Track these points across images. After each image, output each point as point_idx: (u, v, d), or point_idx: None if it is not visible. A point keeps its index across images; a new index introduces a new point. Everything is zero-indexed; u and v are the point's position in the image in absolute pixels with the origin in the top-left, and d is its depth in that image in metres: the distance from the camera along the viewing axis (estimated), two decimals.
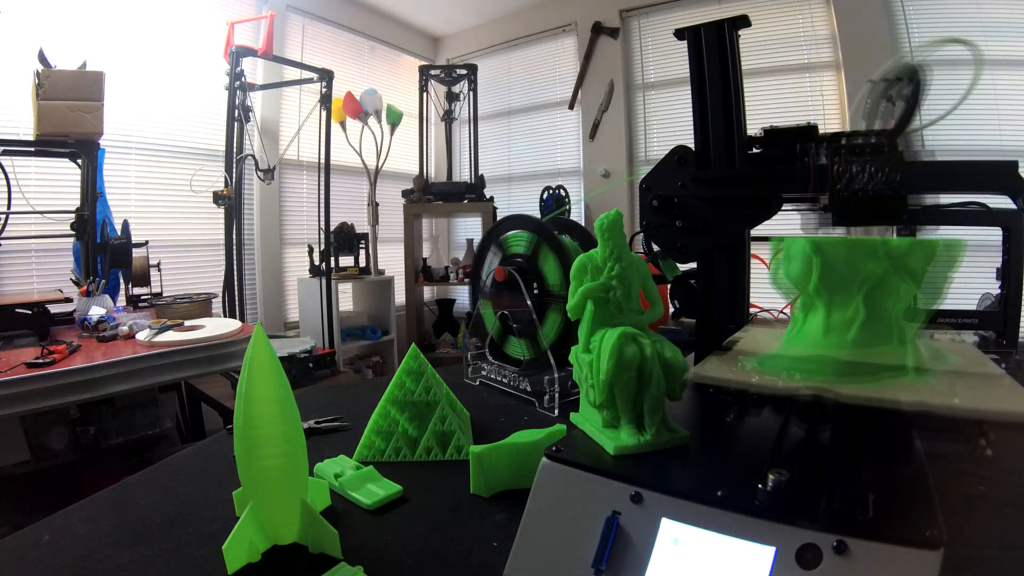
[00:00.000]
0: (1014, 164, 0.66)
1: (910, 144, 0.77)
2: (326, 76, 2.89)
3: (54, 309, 1.86)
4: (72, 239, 2.04)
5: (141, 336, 1.62)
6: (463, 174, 3.99)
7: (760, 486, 0.39)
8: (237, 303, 2.70)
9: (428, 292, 4.03)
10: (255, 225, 3.24)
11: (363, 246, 3.34)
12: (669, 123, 3.53)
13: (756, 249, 0.85)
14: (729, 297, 0.81)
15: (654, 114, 3.60)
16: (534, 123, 4.11)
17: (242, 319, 2.72)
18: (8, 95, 2.19)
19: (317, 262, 3.07)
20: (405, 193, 3.54)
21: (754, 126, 0.79)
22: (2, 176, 1.89)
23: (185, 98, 2.85)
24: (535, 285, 1.02)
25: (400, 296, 3.61)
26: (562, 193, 3.54)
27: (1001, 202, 0.77)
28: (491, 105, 4.15)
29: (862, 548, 0.34)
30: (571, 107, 3.86)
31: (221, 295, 2.65)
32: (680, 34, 0.83)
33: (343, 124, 3.23)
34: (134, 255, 2.13)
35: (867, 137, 0.70)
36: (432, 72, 3.70)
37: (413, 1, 3.88)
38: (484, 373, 1.13)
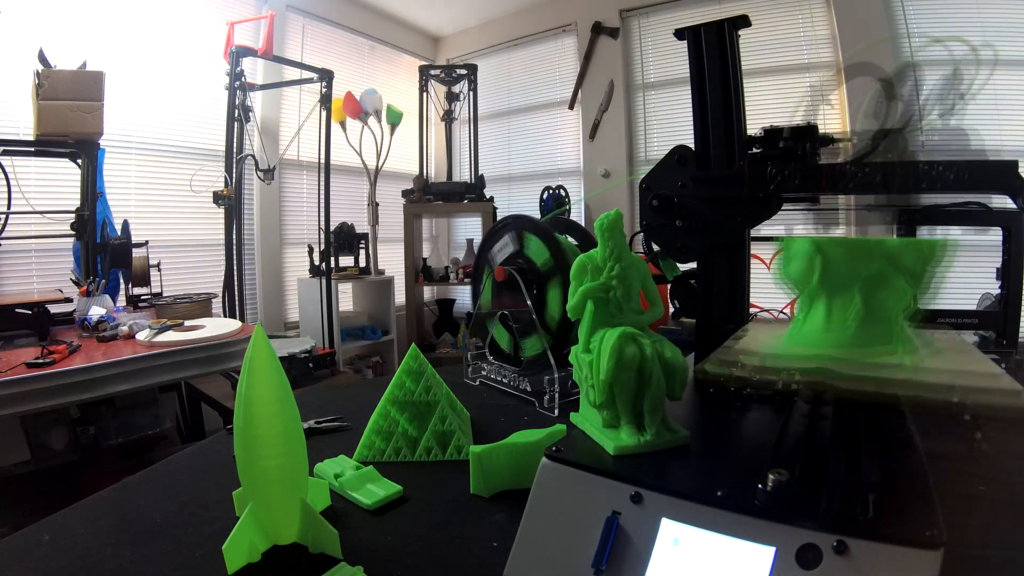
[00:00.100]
0: (1014, 164, 0.66)
1: (910, 144, 0.77)
2: (326, 76, 2.89)
3: (54, 309, 1.86)
4: (72, 239, 2.04)
5: (141, 336, 1.62)
6: (463, 174, 3.99)
7: (760, 486, 0.39)
8: (237, 303, 2.70)
9: (428, 292, 4.03)
10: (255, 225, 3.24)
11: (363, 246, 3.34)
12: (669, 123, 3.53)
13: (756, 249, 0.85)
14: (729, 297, 0.81)
15: (654, 114, 3.60)
16: (534, 123, 4.11)
17: (242, 319, 2.72)
18: (8, 95, 2.19)
19: (317, 262, 3.07)
20: (405, 193, 3.54)
21: (754, 126, 0.79)
22: (2, 176, 1.89)
23: (185, 98, 2.85)
24: (535, 285, 1.03)
25: (400, 296, 3.61)
26: (562, 193, 3.54)
27: (1001, 202, 0.77)
28: (491, 105, 4.15)
29: (862, 548, 0.34)
30: (571, 107, 3.86)
31: (221, 295, 2.64)
32: (680, 34, 0.83)
33: (343, 124, 3.23)
34: (134, 255, 2.13)
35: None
36: (432, 72, 3.70)
37: (413, 1, 3.88)
38: (484, 373, 1.13)
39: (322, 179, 2.96)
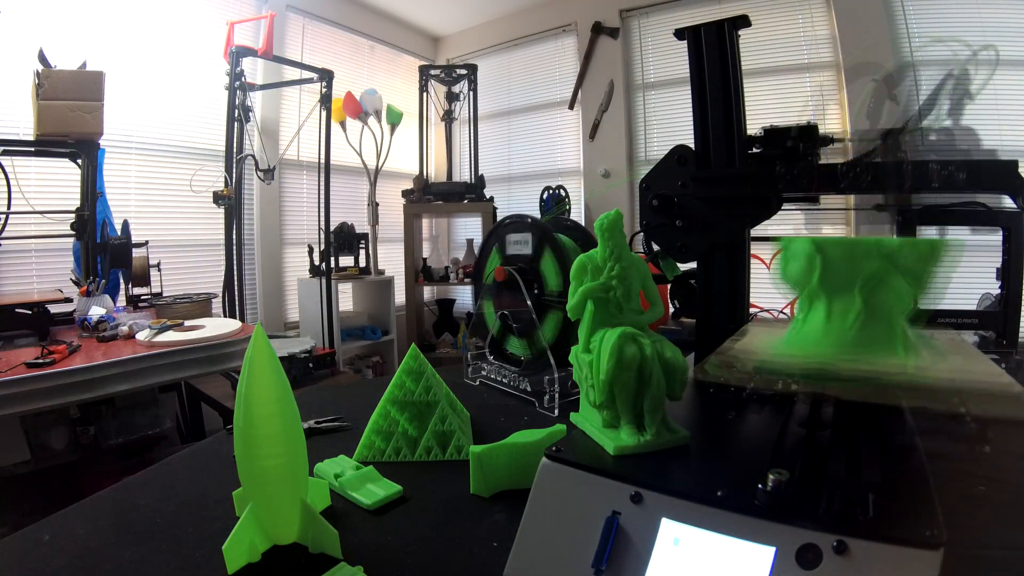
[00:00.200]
0: (1014, 164, 0.66)
1: (910, 144, 0.77)
2: (326, 76, 2.89)
3: (54, 309, 1.86)
4: (72, 239, 2.04)
5: (141, 336, 1.62)
6: (463, 174, 3.99)
7: (760, 486, 0.39)
8: (237, 303, 2.70)
9: (428, 292, 4.03)
10: (255, 225, 3.24)
11: (363, 246, 3.34)
12: (669, 123, 3.53)
13: (756, 249, 0.85)
14: (729, 297, 0.81)
15: (654, 114, 3.59)
16: (534, 123, 4.11)
17: (242, 319, 2.72)
18: (8, 95, 2.19)
19: (317, 262, 3.07)
20: (405, 193, 3.54)
21: (754, 126, 0.79)
22: (2, 176, 1.89)
23: (185, 98, 2.85)
24: (535, 285, 1.02)
25: (400, 296, 3.61)
26: (562, 193, 3.54)
27: (1000, 202, 0.77)
28: (491, 105, 4.15)
29: (862, 548, 0.34)
30: (571, 107, 3.86)
31: (221, 295, 2.64)
32: (680, 34, 0.83)
33: (343, 124, 3.23)
34: (134, 255, 2.13)
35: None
36: (432, 72, 3.70)
37: (413, 1, 3.88)
38: (484, 373, 1.13)
39: (322, 179, 2.96)
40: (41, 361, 1.35)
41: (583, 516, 0.44)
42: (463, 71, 3.69)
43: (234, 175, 2.64)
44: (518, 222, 1.07)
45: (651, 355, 0.51)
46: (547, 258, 1.01)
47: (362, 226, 3.38)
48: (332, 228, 3.03)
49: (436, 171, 4.22)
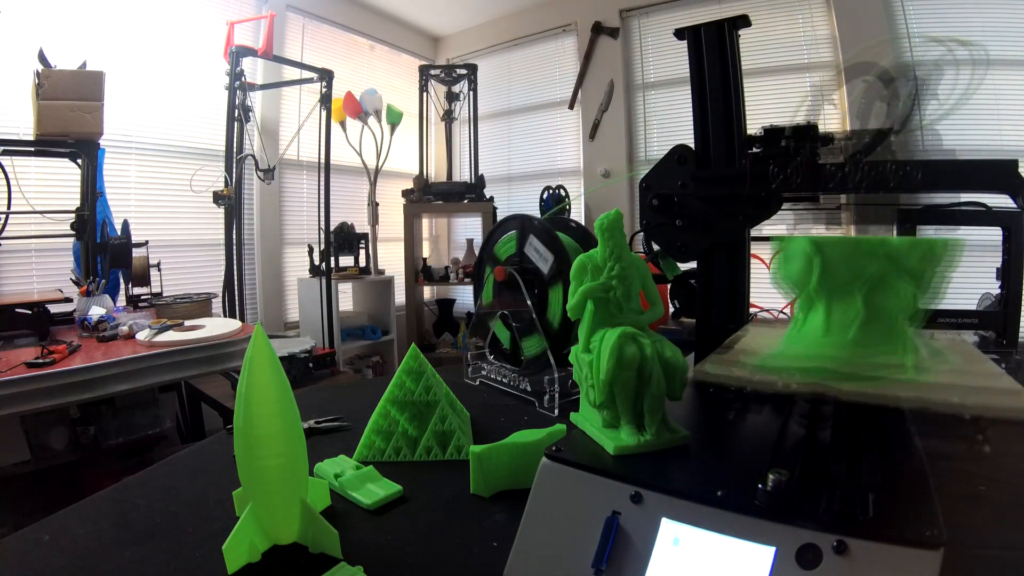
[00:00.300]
0: (1014, 163, 0.66)
1: (910, 143, 0.77)
2: (326, 76, 2.89)
3: (54, 309, 1.86)
4: (72, 239, 2.04)
5: (141, 336, 1.62)
6: (463, 174, 3.99)
7: (760, 486, 0.39)
8: (237, 303, 2.70)
9: (428, 292, 4.03)
10: (255, 225, 3.24)
11: (363, 246, 3.34)
12: (669, 123, 3.53)
13: (756, 249, 0.85)
14: (729, 297, 0.81)
15: (654, 114, 3.60)
16: (534, 123, 4.11)
17: (242, 319, 2.72)
18: (8, 95, 2.19)
19: (317, 262, 3.07)
20: (405, 193, 3.54)
21: (754, 126, 0.79)
22: (2, 176, 1.89)
23: (185, 98, 2.85)
24: (535, 285, 1.02)
25: (400, 296, 3.61)
26: (562, 193, 3.54)
27: (1001, 202, 0.77)
28: (491, 105, 4.15)
29: (862, 548, 0.34)
30: (571, 107, 3.86)
31: (221, 295, 2.64)
32: (680, 34, 0.83)
33: (343, 124, 3.23)
34: (134, 255, 2.13)
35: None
36: (432, 72, 3.70)
37: (413, 1, 3.88)
38: (484, 373, 1.13)
39: (322, 179, 2.96)
40: (41, 361, 1.35)
41: (583, 516, 0.44)
42: (463, 71, 3.69)
43: (234, 175, 2.64)
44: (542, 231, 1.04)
45: (651, 355, 0.51)
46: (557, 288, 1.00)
47: (362, 226, 3.38)
48: (332, 228, 3.03)
49: (436, 171, 4.22)
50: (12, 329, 1.71)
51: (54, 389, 1.32)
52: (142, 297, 2.20)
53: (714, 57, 0.79)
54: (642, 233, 0.87)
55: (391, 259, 3.72)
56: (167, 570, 0.51)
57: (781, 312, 1.28)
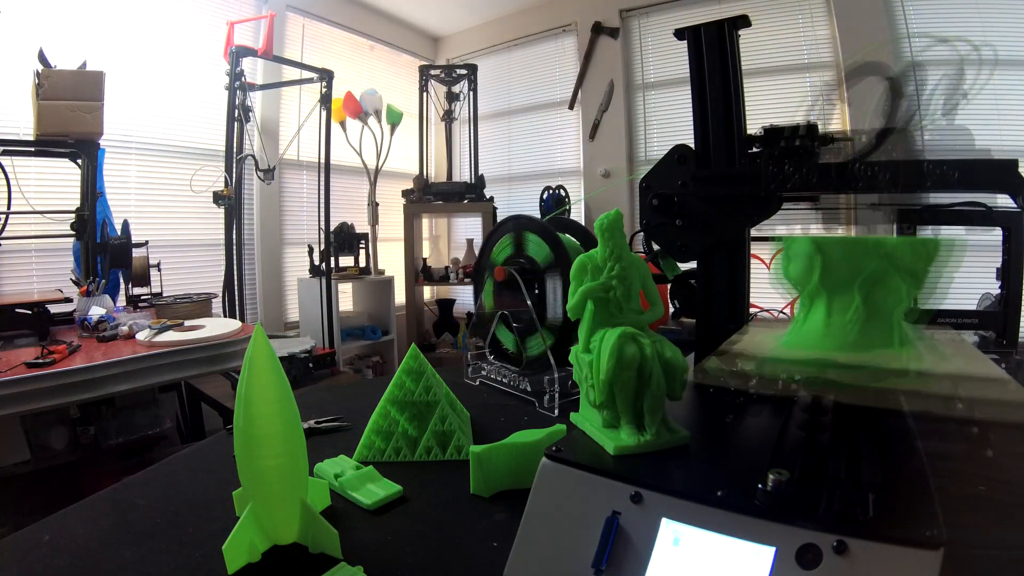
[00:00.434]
0: (1014, 163, 0.66)
1: (910, 143, 0.77)
2: (326, 76, 2.89)
3: (54, 309, 1.86)
4: (72, 239, 2.04)
5: (141, 336, 1.62)
6: (463, 174, 3.99)
7: (760, 486, 0.39)
8: (237, 303, 2.70)
9: (428, 292, 4.03)
10: (255, 225, 3.24)
11: (363, 246, 3.34)
12: (669, 123, 3.53)
13: (756, 249, 0.85)
14: (729, 297, 0.81)
15: (654, 114, 3.59)
16: (534, 123, 4.11)
17: (242, 319, 2.72)
18: (8, 95, 2.19)
19: (317, 262, 3.07)
20: (405, 193, 3.54)
21: (754, 126, 0.79)
22: (2, 176, 1.89)
23: (185, 98, 2.85)
24: (535, 285, 1.02)
25: (400, 296, 3.61)
26: (562, 193, 3.54)
27: (1001, 202, 0.77)
28: (491, 105, 4.15)
29: (862, 548, 0.34)
30: (571, 107, 3.86)
31: (221, 295, 2.64)
32: (680, 34, 0.83)
33: (343, 124, 3.23)
34: (134, 255, 2.13)
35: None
36: (432, 72, 3.70)
37: (413, 1, 3.88)
38: (484, 373, 1.13)
39: (322, 179, 2.96)
40: (41, 361, 1.35)
41: (583, 516, 0.44)
42: (463, 71, 3.69)
43: (234, 175, 2.64)
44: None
45: (651, 355, 0.51)
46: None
47: (362, 226, 3.37)
48: (332, 228, 3.03)
49: (436, 171, 4.22)
50: (12, 329, 1.71)
51: (54, 389, 1.32)
52: (142, 297, 2.20)
53: (714, 57, 0.79)
54: (642, 233, 0.87)
55: (391, 259, 3.72)
56: (167, 570, 0.51)
57: (781, 312, 1.28)
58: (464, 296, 4.06)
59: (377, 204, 3.47)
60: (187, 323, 1.76)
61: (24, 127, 2.13)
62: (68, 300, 1.94)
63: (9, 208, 1.91)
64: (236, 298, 2.69)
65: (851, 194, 0.75)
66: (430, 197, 3.51)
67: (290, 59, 3.04)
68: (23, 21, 2.25)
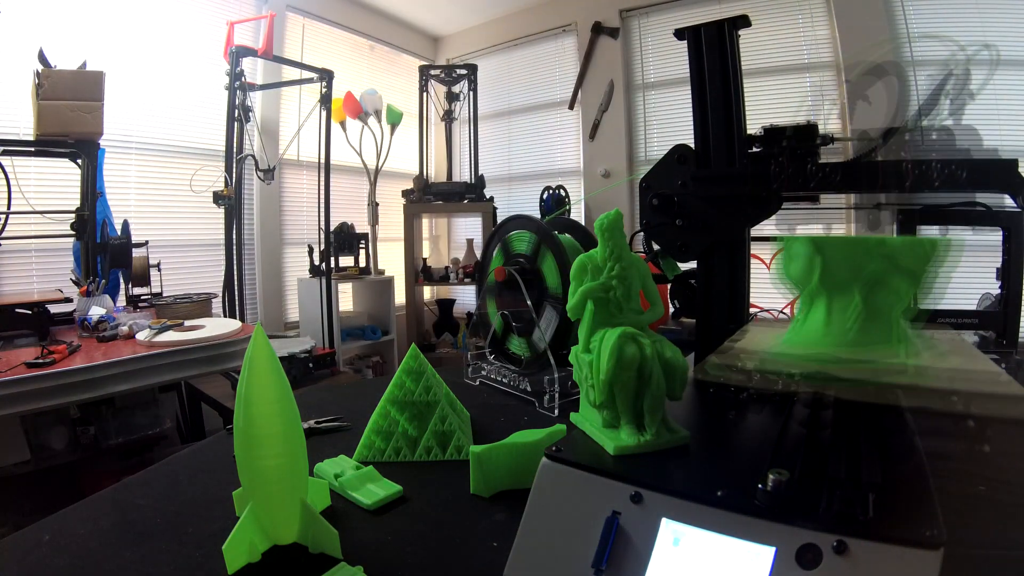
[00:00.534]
0: (1014, 163, 0.66)
1: (910, 143, 0.76)
2: (326, 76, 2.89)
3: (54, 309, 1.86)
4: (72, 239, 2.04)
5: (141, 336, 1.62)
6: (463, 174, 3.99)
7: (760, 486, 0.39)
8: (237, 303, 2.70)
9: (428, 292, 4.03)
10: (255, 225, 3.24)
11: (363, 246, 3.34)
12: (669, 123, 3.53)
13: (756, 249, 0.85)
14: (729, 297, 0.81)
15: (654, 114, 3.59)
16: (534, 123, 4.11)
17: (242, 319, 2.72)
18: (8, 95, 2.19)
19: (317, 262, 3.07)
20: (405, 193, 3.54)
21: (754, 126, 0.79)
22: (2, 176, 1.89)
23: (185, 98, 2.85)
24: (535, 285, 1.02)
25: (400, 296, 3.61)
26: (562, 193, 3.54)
27: (1000, 202, 0.77)
28: (491, 105, 4.15)
29: (862, 548, 0.34)
30: (571, 107, 3.86)
31: (221, 295, 2.64)
32: (680, 34, 0.83)
33: (343, 124, 3.23)
34: (134, 255, 2.13)
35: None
36: (432, 72, 3.70)
37: (413, 1, 3.88)
38: (484, 373, 1.13)
39: (322, 179, 2.96)
40: (41, 361, 1.35)
41: (583, 516, 0.44)
42: (463, 71, 3.69)
43: (234, 175, 2.64)
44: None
45: (651, 355, 0.51)
46: (548, 258, 1.01)
47: (362, 226, 3.37)
48: (332, 228, 3.03)
49: (436, 171, 4.22)
50: (12, 329, 1.71)
51: (54, 389, 1.32)
52: (142, 297, 2.20)
53: (714, 57, 0.79)
54: (642, 233, 0.87)
55: (391, 259, 3.72)
56: (167, 570, 0.51)
57: (781, 312, 1.28)
58: (464, 296, 4.06)
59: (377, 204, 3.47)
60: (187, 323, 1.76)
61: (24, 127, 2.13)
62: (68, 300, 1.94)
63: (9, 208, 1.91)
64: (236, 298, 2.69)
65: (851, 194, 0.75)
66: (430, 197, 3.51)
67: (290, 59, 3.04)
68: (23, 21, 2.25)
